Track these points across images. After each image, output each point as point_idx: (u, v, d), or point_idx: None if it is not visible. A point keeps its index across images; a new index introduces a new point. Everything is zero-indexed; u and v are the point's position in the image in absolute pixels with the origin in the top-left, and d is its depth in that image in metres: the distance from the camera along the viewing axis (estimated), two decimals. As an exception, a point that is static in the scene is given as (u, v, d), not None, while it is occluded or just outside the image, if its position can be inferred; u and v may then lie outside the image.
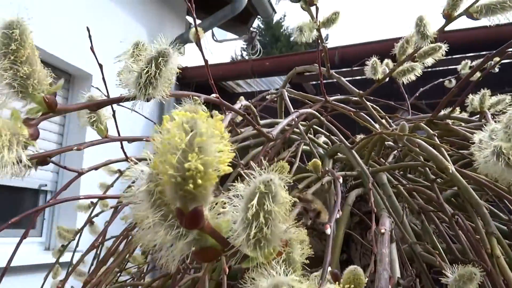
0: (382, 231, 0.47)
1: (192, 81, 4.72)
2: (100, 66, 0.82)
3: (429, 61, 0.77)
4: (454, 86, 0.87)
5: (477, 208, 0.62)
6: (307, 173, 0.91)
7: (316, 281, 0.33)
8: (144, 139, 0.59)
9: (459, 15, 0.65)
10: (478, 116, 1.16)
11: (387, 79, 0.88)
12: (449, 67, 2.92)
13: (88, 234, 1.32)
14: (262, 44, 6.15)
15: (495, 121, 0.98)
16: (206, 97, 0.49)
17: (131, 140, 0.60)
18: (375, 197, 0.69)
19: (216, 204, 0.24)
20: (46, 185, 3.13)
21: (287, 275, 0.23)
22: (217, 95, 0.58)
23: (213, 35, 5.47)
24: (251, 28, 5.80)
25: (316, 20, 0.73)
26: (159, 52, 0.35)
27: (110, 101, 0.37)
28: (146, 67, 0.35)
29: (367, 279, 0.46)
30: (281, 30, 18.70)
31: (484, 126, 0.50)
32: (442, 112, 1.23)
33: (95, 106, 0.36)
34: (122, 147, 0.63)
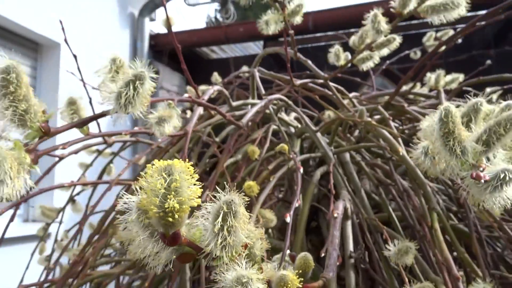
0: (335, 215, 0.55)
1: (164, 48, 4.62)
2: (75, 56, 0.84)
3: (385, 51, 0.84)
4: (418, 61, 0.94)
5: (421, 186, 0.71)
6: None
7: (276, 264, 0.41)
8: (123, 133, 0.64)
9: (408, 13, 0.71)
10: (436, 91, 1.25)
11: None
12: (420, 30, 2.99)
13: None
14: (235, 5, 6.01)
15: (448, 100, 1.07)
16: (180, 99, 0.54)
17: (111, 135, 0.65)
18: (336, 177, 0.77)
19: (192, 217, 0.31)
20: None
21: (247, 268, 0.31)
22: (194, 87, 0.63)
23: (184, -4, 5.30)
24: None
25: (283, 13, 0.78)
26: (135, 75, 0.40)
27: (94, 117, 0.42)
28: (125, 89, 0.40)
29: (323, 254, 0.54)
30: (255, -9, 18.22)
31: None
32: (404, 88, 1.32)
33: (81, 124, 0.41)
34: (105, 141, 0.67)
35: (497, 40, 3.64)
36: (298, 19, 0.81)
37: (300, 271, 0.37)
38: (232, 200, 0.28)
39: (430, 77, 1.11)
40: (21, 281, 1.18)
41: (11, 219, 0.99)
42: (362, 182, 1.02)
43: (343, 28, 3.74)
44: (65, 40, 0.91)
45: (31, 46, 3.30)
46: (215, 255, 0.29)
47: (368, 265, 0.66)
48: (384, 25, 0.74)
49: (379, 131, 0.79)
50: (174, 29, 0.94)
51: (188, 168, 0.26)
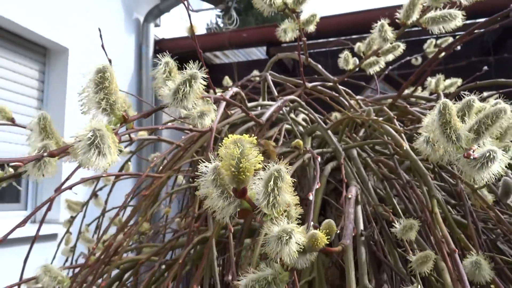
0: (349, 196, 0.64)
1: (169, 53, 4.72)
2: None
3: (390, 56, 0.94)
4: (419, 66, 1.04)
5: (423, 176, 0.79)
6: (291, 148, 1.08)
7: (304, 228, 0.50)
8: (160, 127, 0.73)
9: (411, 23, 0.80)
10: (436, 95, 1.34)
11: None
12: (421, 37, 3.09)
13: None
14: (236, 10, 6.10)
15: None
16: (215, 97, 0.63)
17: (153, 129, 0.74)
18: (346, 169, 0.86)
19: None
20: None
21: (288, 224, 0.40)
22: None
23: (188, 4, 5.41)
24: (227, -3, 5.74)
25: (298, 22, 0.87)
26: (191, 75, 0.49)
27: (157, 109, 0.51)
28: (182, 86, 0.49)
29: (338, 231, 0.63)
30: (256, -3, 18.30)
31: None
32: (406, 91, 1.41)
33: (147, 115, 0.50)
34: (130, 139, 0.74)
35: (496, 47, 3.74)
36: (311, 28, 0.91)
37: (326, 232, 0.46)
38: (280, 168, 0.38)
39: (431, 81, 1.21)
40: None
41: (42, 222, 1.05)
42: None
43: (344, 34, 3.85)
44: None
45: (40, 50, 3.40)
46: (266, 211, 0.38)
47: (374, 245, 0.75)
48: (390, 33, 0.83)
49: (385, 128, 0.88)
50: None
51: (252, 141, 0.36)
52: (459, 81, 1.22)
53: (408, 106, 1.05)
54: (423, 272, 0.62)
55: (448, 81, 1.19)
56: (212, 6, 5.94)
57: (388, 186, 1.03)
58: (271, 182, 0.37)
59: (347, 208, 0.60)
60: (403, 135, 0.87)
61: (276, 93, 1.19)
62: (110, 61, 1.04)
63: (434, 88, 1.16)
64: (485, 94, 1.49)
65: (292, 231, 0.38)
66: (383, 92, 1.47)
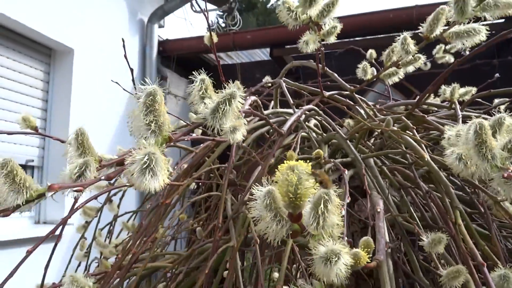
0: (378, 210, 0.65)
1: (172, 54, 4.73)
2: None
3: (410, 68, 0.95)
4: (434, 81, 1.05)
5: (445, 187, 0.81)
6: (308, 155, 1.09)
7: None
8: (186, 139, 0.74)
9: (435, 37, 0.81)
10: (448, 102, 1.35)
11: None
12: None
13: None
14: (238, 11, 6.10)
15: (464, 114, 1.14)
16: (244, 110, 0.64)
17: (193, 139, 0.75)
18: (367, 180, 0.87)
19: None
20: (33, 160, 3.19)
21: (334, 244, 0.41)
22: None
23: (191, 5, 5.41)
24: (230, -2, 5.73)
25: (319, 33, 0.88)
26: (230, 94, 0.50)
27: (197, 125, 0.52)
28: (222, 105, 0.50)
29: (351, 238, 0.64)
30: (258, -4, 18.26)
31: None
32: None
33: (188, 132, 0.51)
34: None
35: (500, 50, 3.75)
36: (332, 39, 0.92)
37: (366, 250, 0.47)
38: (329, 191, 0.39)
39: (445, 89, 1.22)
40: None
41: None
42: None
43: (348, 36, 3.85)
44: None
45: (45, 51, 3.40)
46: (314, 232, 0.39)
47: (401, 256, 0.76)
48: (412, 46, 0.84)
49: (405, 138, 0.89)
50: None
51: (308, 167, 0.37)
52: (473, 90, 1.23)
53: (426, 116, 1.06)
54: (454, 286, 0.63)
55: (462, 90, 1.20)
56: (215, 7, 5.95)
57: (405, 194, 1.04)
58: (321, 206, 0.38)
59: (377, 222, 0.61)
60: (423, 145, 0.88)
61: (292, 101, 1.20)
62: (132, 70, 1.05)
63: (449, 97, 1.17)
64: (496, 101, 1.51)
65: (341, 252, 0.39)
66: (395, 98, 1.48)
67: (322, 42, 0.92)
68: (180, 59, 4.81)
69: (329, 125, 1.04)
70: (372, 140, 1.37)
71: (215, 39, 1.01)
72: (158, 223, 0.89)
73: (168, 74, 4.78)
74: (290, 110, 1.24)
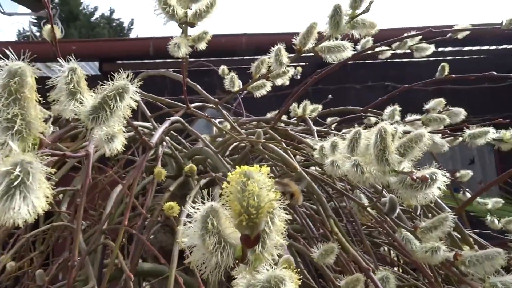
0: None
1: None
2: None
3: (280, 81, 0.97)
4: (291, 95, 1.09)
5: (318, 197, 0.82)
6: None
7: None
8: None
9: (307, 51, 0.84)
10: (295, 119, 1.44)
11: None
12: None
13: None
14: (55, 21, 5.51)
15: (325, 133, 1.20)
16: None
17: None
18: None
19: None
20: None
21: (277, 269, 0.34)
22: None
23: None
24: (51, 4, 5.14)
25: (189, 37, 0.81)
26: (121, 87, 0.38)
27: (68, 130, 0.37)
28: (111, 100, 0.38)
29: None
30: (80, 8, 16.84)
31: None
32: (269, 115, 1.48)
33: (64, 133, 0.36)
34: None
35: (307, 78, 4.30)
36: (202, 45, 0.86)
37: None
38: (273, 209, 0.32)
39: (295, 106, 1.29)
40: None
41: None
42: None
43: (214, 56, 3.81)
44: None
45: None
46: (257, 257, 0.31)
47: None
48: (285, 58, 0.84)
49: (277, 151, 0.89)
50: None
51: (267, 172, 0.29)
52: (319, 107, 1.34)
53: (288, 129, 1.09)
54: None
55: (311, 107, 1.29)
56: (29, 11, 5.23)
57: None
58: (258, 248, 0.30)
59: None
60: (293, 157, 0.88)
61: (149, 113, 1.08)
62: None
63: (301, 113, 1.25)
64: (329, 119, 1.69)
65: (285, 277, 0.32)
66: (242, 113, 1.52)
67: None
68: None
69: (200, 139, 0.97)
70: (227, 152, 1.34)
71: (59, 35, 0.83)
72: None
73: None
74: (147, 124, 1.12)
